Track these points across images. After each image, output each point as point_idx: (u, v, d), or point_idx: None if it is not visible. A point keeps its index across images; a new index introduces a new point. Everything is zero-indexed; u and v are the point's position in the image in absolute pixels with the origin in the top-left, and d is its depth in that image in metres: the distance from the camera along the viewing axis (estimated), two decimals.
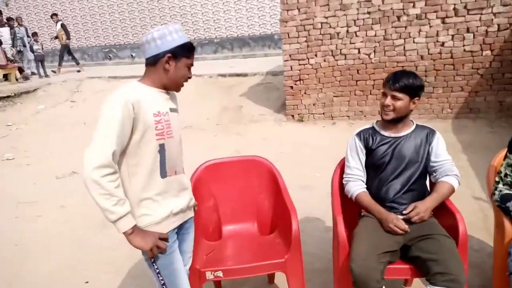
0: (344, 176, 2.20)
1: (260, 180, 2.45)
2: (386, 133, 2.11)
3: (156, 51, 1.58)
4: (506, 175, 1.95)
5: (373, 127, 2.19)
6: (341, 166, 2.30)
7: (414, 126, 2.11)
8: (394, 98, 2.01)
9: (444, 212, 2.01)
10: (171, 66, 1.60)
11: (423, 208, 1.92)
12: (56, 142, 6.70)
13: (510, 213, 1.90)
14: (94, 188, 1.42)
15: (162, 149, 1.59)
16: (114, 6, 13.67)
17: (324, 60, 6.19)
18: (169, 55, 1.58)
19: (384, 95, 2.07)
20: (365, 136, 2.15)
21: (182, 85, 1.69)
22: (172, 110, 1.66)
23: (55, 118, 8.01)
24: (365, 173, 2.15)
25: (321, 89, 6.34)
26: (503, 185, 1.96)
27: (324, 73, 6.25)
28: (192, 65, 1.67)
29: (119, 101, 1.47)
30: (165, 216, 1.63)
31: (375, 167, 2.10)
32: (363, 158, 2.14)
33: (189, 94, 6.51)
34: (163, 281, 1.64)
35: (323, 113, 6.46)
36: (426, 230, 1.88)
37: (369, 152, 2.12)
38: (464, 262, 1.79)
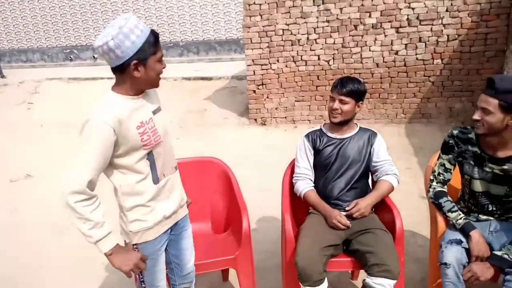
0: (294, 175, 2.30)
1: (215, 180, 2.51)
2: (332, 135, 2.24)
3: (118, 61, 1.43)
4: (439, 173, 2.11)
5: (320, 129, 2.31)
6: (292, 167, 2.40)
7: (357, 129, 2.25)
8: (341, 102, 2.15)
9: (384, 209, 2.16)
10: (141, 71, 1.47)
11: (364, 204, 2.06)
12: (12, 144, 6.46)
13: (442, 208, 2.05)
14: (71, 212, 1.45)
15: (151, 156, 1.58)
16: (76, 6, 13.32)
17: (286, 66, 6.34)
18: (134, 62, 1.44)
19: (332, 99, 2.20)
20: (313, 138, 2.26)
21: (159, 79, 1.57)
22: (155, 112, 1.61)
23: (11, 120, 7.72)
24: (313, 172, 2.27)
25: (283, 93, 6.49)
26: (437, 183, 2.12)
27: (286, 78, 6.40)
28: (162, 56, 1.53)
29: (99, 126, 1.41)
30: (158, 221, 1.66)
31: (321, 167, 2.22)
32: (311, 158, 2.25)
33: None
34: (142, 279, 1.69)
35: (285, 117, 6.61)
36: (366, 225, 2.01)
37: (317, 152, 2.24)
38: (400, 255, 1.93)
